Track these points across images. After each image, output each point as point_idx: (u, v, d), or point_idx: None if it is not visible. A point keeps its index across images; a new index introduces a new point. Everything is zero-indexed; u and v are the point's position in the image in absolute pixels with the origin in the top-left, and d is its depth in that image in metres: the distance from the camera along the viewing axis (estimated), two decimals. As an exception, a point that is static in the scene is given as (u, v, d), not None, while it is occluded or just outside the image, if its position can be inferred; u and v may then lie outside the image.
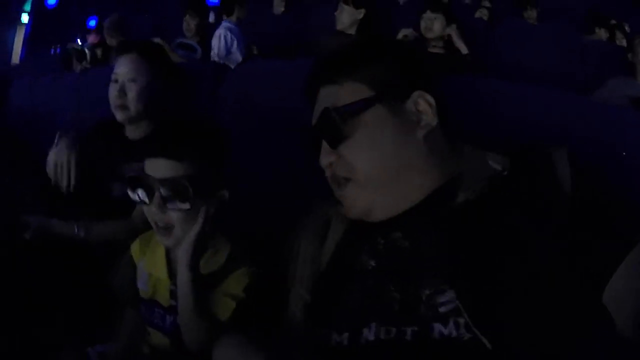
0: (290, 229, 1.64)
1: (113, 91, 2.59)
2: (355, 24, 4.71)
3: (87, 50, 6.43)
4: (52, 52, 11.13)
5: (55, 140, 2.50)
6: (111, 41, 6.64)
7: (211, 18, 7.83)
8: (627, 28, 6.80)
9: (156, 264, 1.92)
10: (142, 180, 1.74)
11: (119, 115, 2.60)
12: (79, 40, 8.45)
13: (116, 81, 2.59)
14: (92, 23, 11.17)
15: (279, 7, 8.07)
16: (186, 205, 1.71)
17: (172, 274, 1.87)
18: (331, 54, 1.55)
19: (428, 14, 4.81)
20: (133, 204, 1.87)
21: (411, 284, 1.27)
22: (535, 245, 1.18)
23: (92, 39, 8.85)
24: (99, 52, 6.85)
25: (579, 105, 2.06)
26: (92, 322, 2.05)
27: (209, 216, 1.74)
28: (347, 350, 1.30)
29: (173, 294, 1.84)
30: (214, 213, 1.76)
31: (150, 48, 2.80)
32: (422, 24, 4.82)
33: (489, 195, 1.31)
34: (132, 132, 2.69)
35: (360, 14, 4.69)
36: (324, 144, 1.45)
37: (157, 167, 1.73)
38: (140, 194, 1.75)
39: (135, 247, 2.02)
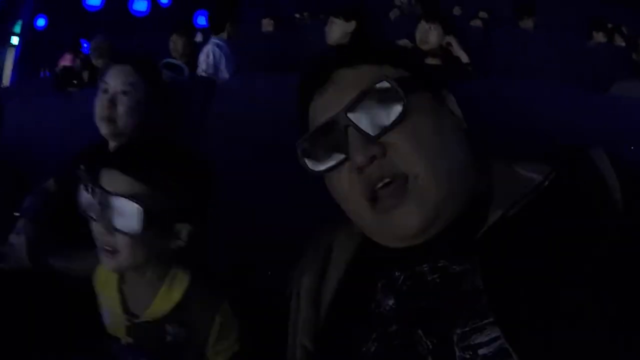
0: (293, 261, 1.41)
1: (102, 102, 2.36)
2: (346, 37, 4.49)
3: (59, 72, 6.28)
4: (41, 75, 10.96)
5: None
6: (97, 62, 6.45)
7: (199, 37, 7.63)
8: (624, 30, 6.70)
9: (111, 297, 1.75)
10: (95, 192, 1.54)
11: (104, 128, 2.36)
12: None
13: (106, 91, 2.37)
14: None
15: (267, 27, 7.92)
16: (135, 230, 1.49)
17: (126, 308, 1.71)
18: (370, 38, 1.32)
19: (423, 25, 4.51)
20: None
21: (444, 327, 1.04)
22: (596, 262, 0.96)
23: (65, 60, 8.67)
24: (85, 74, 6.65)
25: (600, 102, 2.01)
26: (74, 351, 1.85)
27: None
28: None
29: (129, 331, 1.69)
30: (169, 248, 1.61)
31: (145, 63, 2.57)
32: (417, 36, 4.53)
33: (533, 210, 1.07)
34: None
35: (351, 26, 4.50)
36: (355, 138, 1.12)
37: (112, 180, 1.53)
38: (91, 207, 1.54)
39: (95, 278, 1.85)
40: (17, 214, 2.32)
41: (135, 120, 2.36)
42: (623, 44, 6.22)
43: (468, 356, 0.99)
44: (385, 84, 1.12)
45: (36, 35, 14.09)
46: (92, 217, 1.54)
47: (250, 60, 5.86)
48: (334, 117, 1.15)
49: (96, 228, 1.55)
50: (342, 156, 1.15)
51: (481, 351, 0.98)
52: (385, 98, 1.12)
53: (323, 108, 1.20)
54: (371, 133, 1.11)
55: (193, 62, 5.64)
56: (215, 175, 1.69)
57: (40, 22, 14.24)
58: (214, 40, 5.61)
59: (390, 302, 1.14)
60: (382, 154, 1.10)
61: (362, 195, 1.13)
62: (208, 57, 5.42)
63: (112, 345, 1.74)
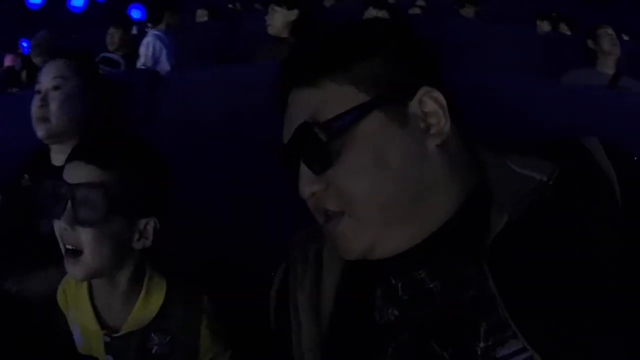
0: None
1: (35, 102, 2.18)
2: (288, 26, 4.28)
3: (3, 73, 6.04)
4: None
5: None
6: (37, 60, 6.18)
7: (134, 30, 7.39)
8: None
9: (83, 313, 1.58)
10: (56, 189, 1.44)
11: (40, 131, 2.17)
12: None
13: (39, 92, 2.19)
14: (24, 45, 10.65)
15: (202, 17, 7.67)
16: (98, 219, 1.39)
17: (103, 323, 1.55)
18: (306, 46, 1.15)
19: (370, 11, 4.41)
20: None
21: (458, 337, 0.95)
22: (613, 264, 0.90)
23: (8, 61, 8.33)
24: (24, 74, 6.38)
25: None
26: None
27: None
28: None
29: (109, 347, 1.54)
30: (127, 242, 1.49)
31: (78, 54, 2.40)
32: None
33: (539, 211, 0.96)
34: (58, 157, 2.23)
35: (293, 15, 4.27)
36: (304, 167, 1.04)
37: (73, 171, 1.45)
38: (53, 205, 1.43)
39: (60, 295, 1.67)
40: None
41: (69, 116, 2.18)
42: (569, 32, 6.21)
43: None
44: (324, 117, 1.01)
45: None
46: (55, 216, 1.42)
47: (189, 51, 5.69)
48: (286, 144, 1.08)
49: (58, 227, 1.43)
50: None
51: None
52: (316, 134, 1.01)
53: (283, 128, 1.12)
54: (314, 169, 1.03)
55: (130, 55, 5.53)
56: (169, 170, 1.58)
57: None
58: (153, 32, 5.44)
59: (395, 311, 1.04)
60: (323, 189, 1.03)
61: (316, 212, 1.08)
62: (148, 49, 5.26)
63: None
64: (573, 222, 0.94)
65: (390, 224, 1.01)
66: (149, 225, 1.49)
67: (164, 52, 5.24)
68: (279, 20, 4.30)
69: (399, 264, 1.04)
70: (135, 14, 11.64)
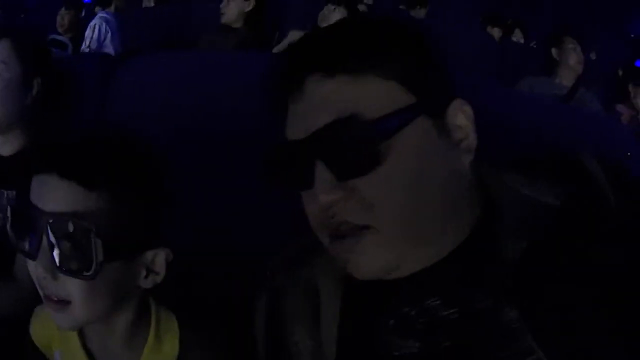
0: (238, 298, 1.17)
1: None
2: (242, 16, 4.14)
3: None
4: None
5: None
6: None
7: (83, 12, 7.17)
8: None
9: (75, 357, 1.17)
10: (26, 217, 0.98)
11: None
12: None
13: None
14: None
15: (148, 2, 7.42)
16: (89, 270, 0.95)
17: None
18: (339, 30, 1.01)
19: (328, 7, 4.37)
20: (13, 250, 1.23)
21: None
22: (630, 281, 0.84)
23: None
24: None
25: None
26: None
27: None
28: None
29: None
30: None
31: (24, 35, 2.16)
32: (320, 17, 4.37)
33: (554, 238, 0.90)
34: (4, 147, 2.02)
35: (249, 5, 4.11)
36: (323, 173, 0.89)
37: (45, 191, 0.97)
38: (27, 240, 0.99)
39: (36, 331, 1.23)
40: None
41: (11, 104, 1.97)
42: (522, 40, 6.22)
43: None
44: (364, 115, 0.87)
45: None
46: (25, 254, 1.01)
47: (137, 37, 5.46)
48: (303, 140, 0.92)
49: (33, 269, 1.00)
50: (306, 184, 0.92)
51: None
52: (360, 135, 0.88)
53: (294, 121, 0.96)
54: (340, 175, 0.89)
55: (77, 38, 5.36)
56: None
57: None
58: (101, 14, 5.28)
59: (416, 344, 0.94)
60: (346, 197, 0.89)
61: (324, 227, 0.95)
62: (93, 31, 5.08)
63: None
64: (587, 246, 0.87)
65: (416, 242, 0.92)
66: (158, 257, 1.08)
67: (109, 35, 5.09)
68: (234, 9, 4.14)
69: (409, 291, 0.95)
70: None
